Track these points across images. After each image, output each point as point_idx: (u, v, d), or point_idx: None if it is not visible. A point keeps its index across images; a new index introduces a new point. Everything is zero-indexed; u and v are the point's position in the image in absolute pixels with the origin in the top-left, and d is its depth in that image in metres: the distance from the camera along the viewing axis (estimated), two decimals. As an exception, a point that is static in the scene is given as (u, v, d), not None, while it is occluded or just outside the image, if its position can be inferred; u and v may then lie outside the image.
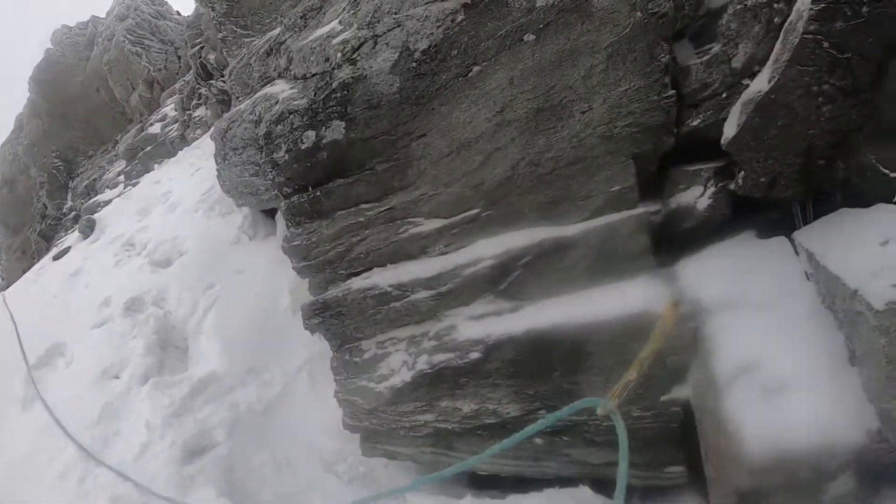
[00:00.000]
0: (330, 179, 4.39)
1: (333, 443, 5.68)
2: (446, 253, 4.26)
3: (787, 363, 3.05)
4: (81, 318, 8.27)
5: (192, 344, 7.17)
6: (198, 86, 14.13)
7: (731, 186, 3.65)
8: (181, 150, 13.72)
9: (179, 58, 20.99)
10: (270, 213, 8.26)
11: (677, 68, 3.60)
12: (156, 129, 16.42)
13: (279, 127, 4.38)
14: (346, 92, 4.11)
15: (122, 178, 15.51)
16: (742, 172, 3.54)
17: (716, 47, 3.54)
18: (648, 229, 3.79)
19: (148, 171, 14.19)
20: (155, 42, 21.64)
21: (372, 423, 4.58)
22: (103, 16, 24.58)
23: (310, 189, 4.47)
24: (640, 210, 3.80)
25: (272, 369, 6.47)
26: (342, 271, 4.54)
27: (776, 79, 3.19)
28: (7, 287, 13.84)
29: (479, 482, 4.72)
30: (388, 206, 4.29)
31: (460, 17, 3.76)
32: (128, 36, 21.33)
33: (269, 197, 6.85)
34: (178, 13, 24.52)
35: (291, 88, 4.51)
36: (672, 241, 3.90)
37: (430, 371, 4.20)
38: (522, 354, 4.00)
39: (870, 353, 2.73)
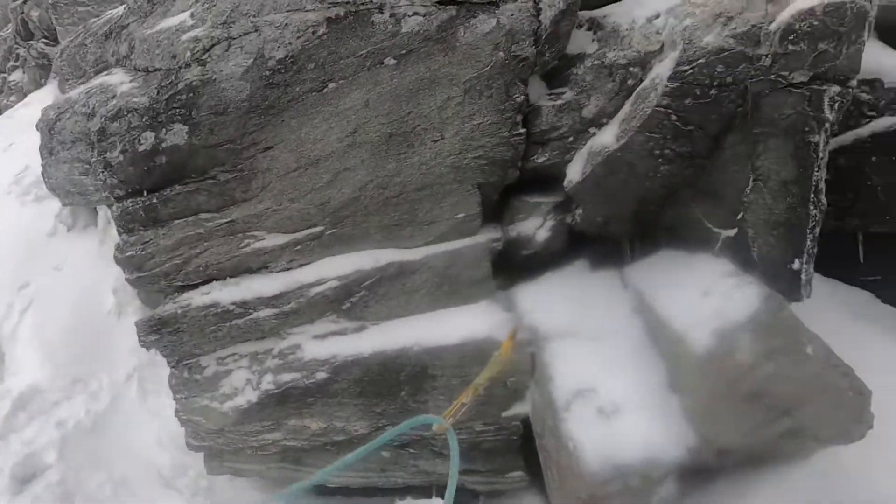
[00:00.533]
0: (168, 185, 4.11)
1: (172, 457, 5.42)
2: (289, 269, 4.14)
3: (619, 388, 3.43)
4: None
5: (7, 351, 6.53)
6: (16, 45, 12.66)
7: (569, 220, 3.96)
8: (-10, 120, 12.31)
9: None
10: (90, 201, 7.65)
11: (529, 107, 3.77)
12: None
13: (115, 124, 4.04)
14: (192, 94, 3.83)
15: None
16: (579, 210, 3.88)
17: (568, 94, 3.77)
18: (490, 256, 3.98)
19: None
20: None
21: (217, 444, 4.41)
22: None
23: (145, 194, 4.17)
24: (483, 237, 3.99)
25: (99, 379, 6.02)
26: (179, 283, 4.31)
27: (624, 140, 3.48)
28: None
29: (329, 493, 4.69)
30: (229, 219, 4.09)
31: (322, 31, 3.62)
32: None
33: (99, 199, 6.29)
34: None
35: (132, 81, 4.15)
36: (511, 268, 4.14)
37: (276, 392, 4.08)
38: (369, 375, 3.99)
39: (691, 388, 3.29)
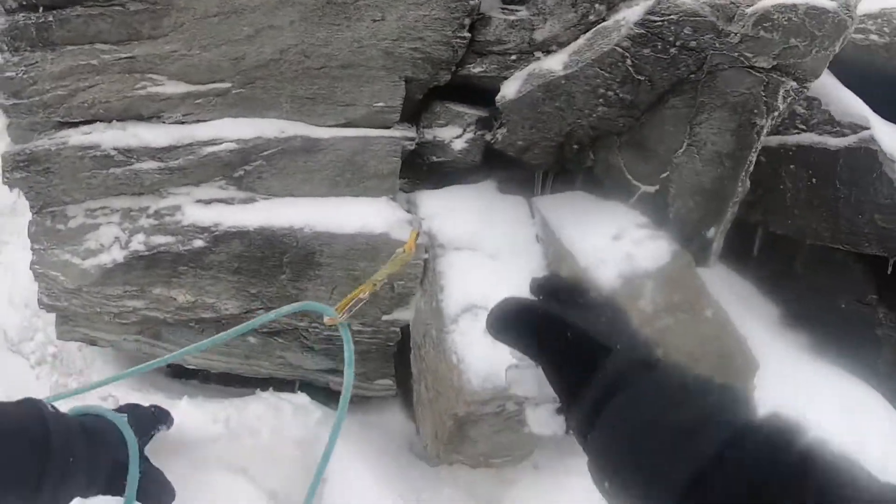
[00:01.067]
0: (70, 4, 3.62)
1: (20, 317, 4.95)
2: (183, 123, 3.76)
3: (511, 310, 3.28)
4: None
5: None
6: None
7: (489, 138, 3.82)
8: None
9: None
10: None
11: (479, 14, 3.56)
12: None
13: None
14: None
15: None
16: (503, 129, 3.71)
17: (524, 12, 3.56)
18: (400, 153, 3.74)
19: None
20: None
21: (73, 305, 3.96)
22: None
23: (41, 10, 3.65)
24: (397, 132, 3.74)
25: (-55, 223, 5.41)
26: (58, 119, 3.83)
27: (573, 69, 3.37)
28: None
29: (183, 376, 4.38)
30: (129, 55, 3.64)
31: None
32: None
33: None
34: None
35: None
36: (419, 172, 4.01)
37: (146, 254, 3.68)
38: (250, 251, 3.65)
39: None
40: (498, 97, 3.65)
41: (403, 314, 3.77)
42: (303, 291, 3.72)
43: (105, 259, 3.72)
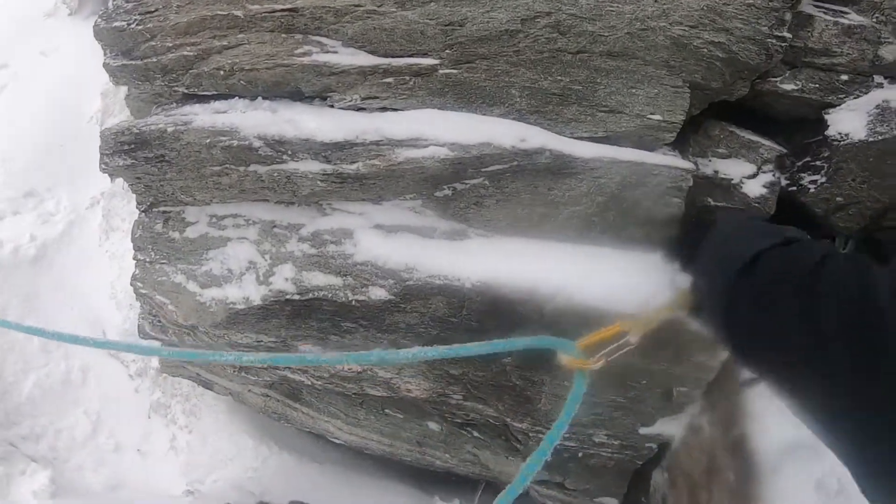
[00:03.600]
0: None
1: (123, 317, 3.89)
2: (363, 109, 2.37)
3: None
4: None
5: None
6: None
7: (785, 183, 2.53)
8: None
9: None
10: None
11: (797, 11, 2.30)
12: None
13: None
14: None
15: None
16: (821, 177, 2.47)
17: (857, 17, 2.36)
18: (685, 193, 2.32)
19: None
20: None
21: (183, 342, 2.70)
22: None
23: None
24: (684, 163, 2.34)
25: (58, 197, 4.34)
26: (182, 88, 2.53)
27: None
28: None
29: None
30: (289, 6, 2.31)
31: None
32: None
33: None
34: None
35: None
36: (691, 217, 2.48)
37: (296, 298, 2.31)
38: (460, 317, 2.26)
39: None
40: (834, 133, 2.35)
41: (669, 427, 2.44)
42: (535, 386, 2.34)
43: (234, 295, 2.38)
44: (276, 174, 2.33)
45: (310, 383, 2.55)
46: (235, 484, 3.35)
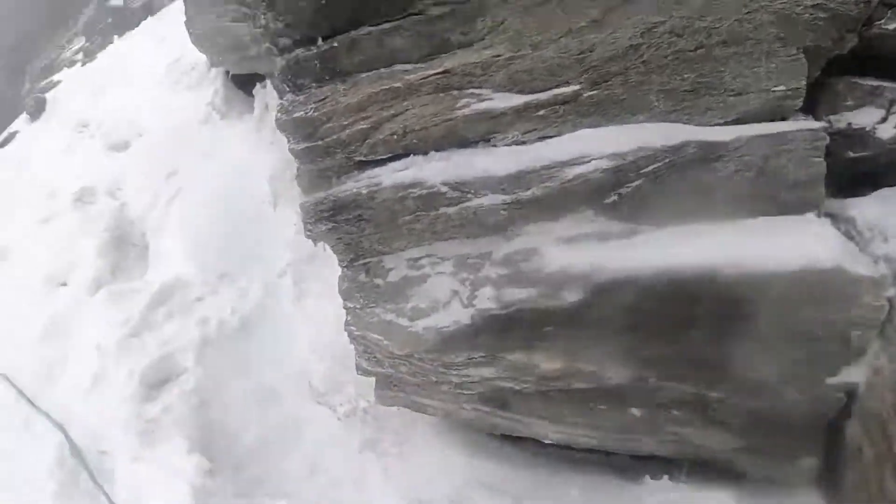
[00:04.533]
0: (353, 26, 2.74)
1: (326, 368, 4.24)
2: (523, 143, 2.68)
3: None
4: (25, 212, 6.42)
5: (152, 242, 5.46)
6: None
7: None
8: (145, 20, 11.33)
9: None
10: (245, 86, 6.41)
11: None
12: (118, 0, 13.94)
13: None
14: None
15: (80, 55, 13.11)
16: None
17: None
18: (823, 151, 2.47)
19: (108, 46, 11.86)
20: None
21: (399, 372, 3.03)
22: None
23: (320, 41, 2.82)
24: (815, 123, 2.51)
25: (249, 274, 4.84)
26: (360, 157, 2.91)
27: None
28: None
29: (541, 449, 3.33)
30: (440, 70, 2.66)
31: None
32: None
33: (258, 52, 4.87)
34: None
35: None
36: (838, 173, 2.60)
37: (499, 313, 2.60)
38: (646, 303, 2.47)
39: None
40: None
41: (852, 375, 2.49)
42: (724, 354, 2.50)
43: (443, 320, 2.69)
44: (463, 212, 2.66)
45: (518, 388, 2.80)
46: (453, 499, 3.59)
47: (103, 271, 5.22)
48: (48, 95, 9.66)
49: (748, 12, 2.37)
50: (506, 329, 2.64)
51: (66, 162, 7.16)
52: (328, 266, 3.97)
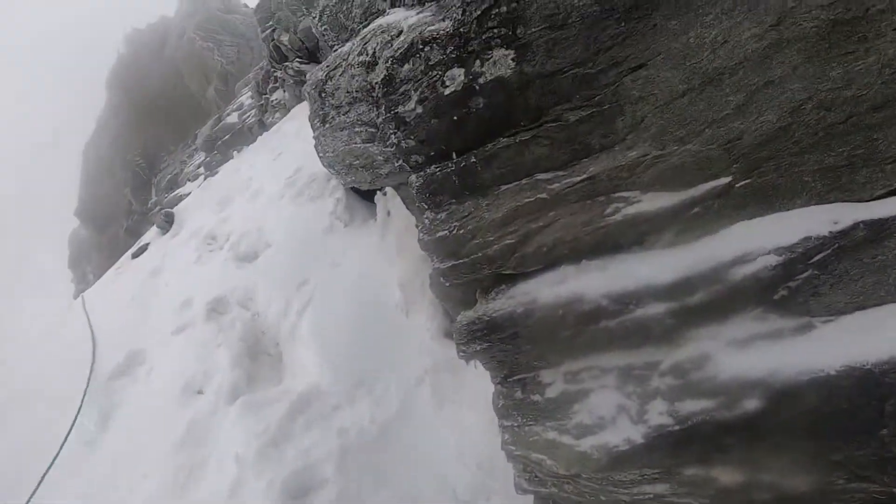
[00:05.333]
0: (488, 139, 2.74)
1: (471, 475, 4.12)
2: (675, 245, 2.57)
3: None
4: (161, 321, 6.70)
5: (285, 351, 5.55)
6: (272, 69, 12.45)
7: None
8: (260, 135, 11.95)
9: (252, 48, 19.61)
10: (366, 195, 6.60)
11: None
12: (233, 118, 14.86)
13: (406, 67, 2.77)
14: (515, 4, 2.47)
15: (201, 169, 13.96)
16: None
17: None
18: None
19: (227, 161, 12.57)
20: (226, 36, 20.21)
21: (564, 491, 2.89)
22: (171, 15, 23.48)
23: (454, 156, 2.84)
24: None
25: (385, 381, 4.84)
26: (508, 271, 2.87)
27: None
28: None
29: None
30: (585, 176, 2.62)
31: None
32: (198, 32, 20.05)
33: (391, 170, 4.96)
34: (246, 5, 23.09)
35: (419, 13, 2.87)
36: None
37: (676, 428, 2.48)
38: (831, 403, 2.29)
39: None
40: None
41: None
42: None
43: (613, 439, 2.57)
44: (626, 324, 2.56)
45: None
46: None
47: (239, 381, 5.31)
48: (175, 209, 10.21)
49: (891, 73, 2.23)
50: (682, 444, 2.50)
51: (197, 273, 7.46)
52: (467, 372, 3.89)
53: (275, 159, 9.31)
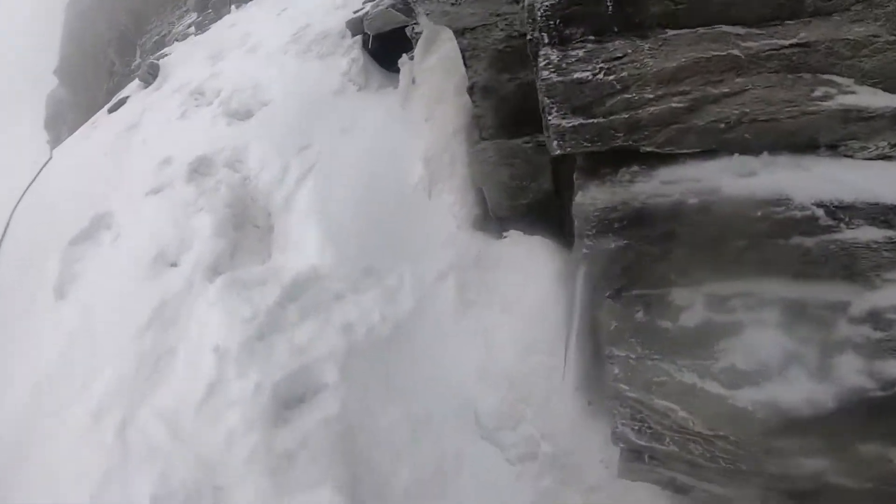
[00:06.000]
0: None
1: (498, 399, 3.49)
2: (889, 157, 1.89)
3: None
4: (135, 181, 5.56)
5: (278, 224, 4.61)
6: None
7: None
8: (262, -9, 10.68)
9: None
10: (382, 59, 5.75)
11: None
12: (230, -27, 13.34)
13: None
14: None
15: (192, 29, 12.53)
16: None
17: None
18: None
19: (221, 18, 11.24)
20: None
21: (688, 453, 2.21)
22: None
23: None
24: None
25: (399, 273, 4.02)
26: (652, 148, 2.13)
27: None
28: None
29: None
30: (795, 41, 1.91)
31: None
32: None
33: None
34: None
35: None
36: None
37: (879, 394, 1.81)
38: None
39: None
40: None
41: None
42: None
43: (786, 395, 1.90)
44: (823, 246, 1.86)
45: (851, 486, 1.98)
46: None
47: (222, 254, 4.37)
48: (162, 62, 9.03)
49: None
50: (879, 415, 1.85)
51: (180, 129, 6.34)
52: (500, 271, 3.48)
53: (278, 14, 8.18)
